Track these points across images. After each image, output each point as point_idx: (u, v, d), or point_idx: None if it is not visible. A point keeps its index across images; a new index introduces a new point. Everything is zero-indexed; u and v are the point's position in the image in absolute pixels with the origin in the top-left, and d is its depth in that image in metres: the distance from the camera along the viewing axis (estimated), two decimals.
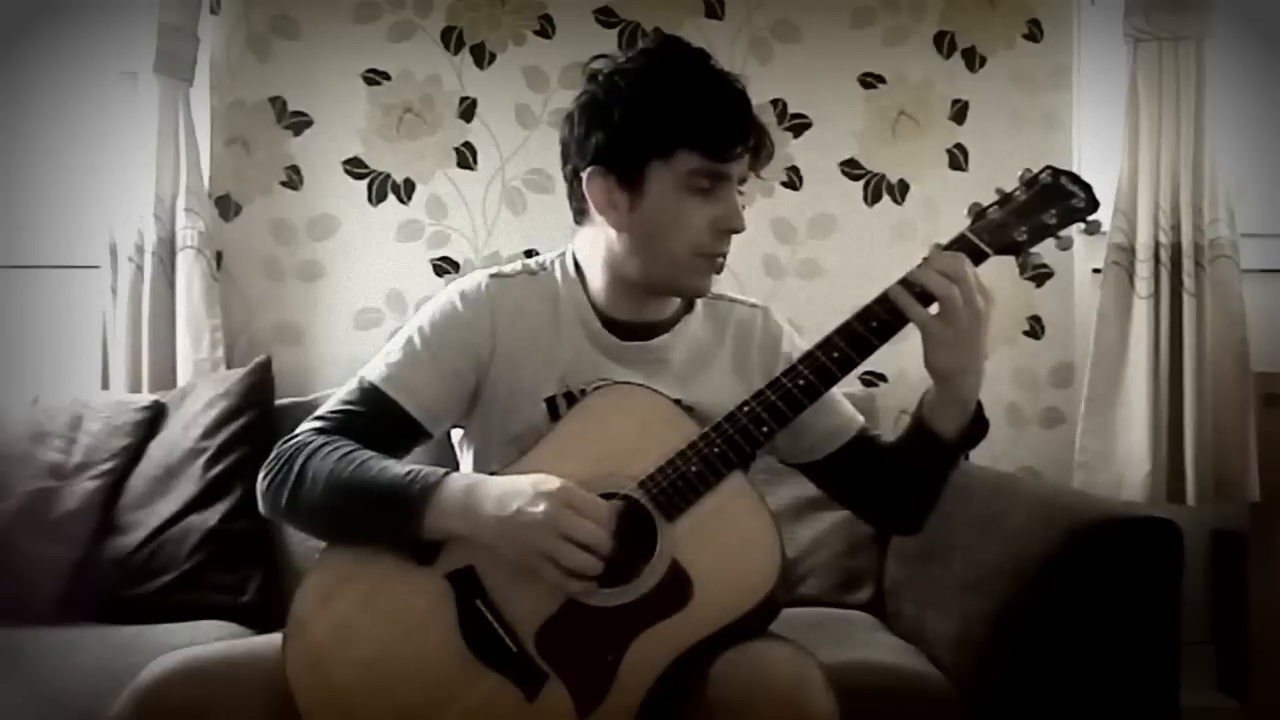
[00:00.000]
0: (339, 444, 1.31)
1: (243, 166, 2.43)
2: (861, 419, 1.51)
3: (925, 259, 1.28)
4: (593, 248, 1.42)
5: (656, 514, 1.25)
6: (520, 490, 1.23)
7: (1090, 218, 1.36)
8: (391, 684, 1.23)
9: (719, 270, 1.40)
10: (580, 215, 1.43)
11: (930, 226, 2.45)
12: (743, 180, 1.38)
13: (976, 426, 1.36)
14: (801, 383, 1.28)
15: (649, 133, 1.33)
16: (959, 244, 1.30)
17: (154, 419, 2.13)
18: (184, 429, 2.10)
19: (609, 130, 1.34)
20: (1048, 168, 1.35)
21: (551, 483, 1.23)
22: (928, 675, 1.65)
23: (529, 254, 2.35)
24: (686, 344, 1.46)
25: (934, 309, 1.26)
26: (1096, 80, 2.51)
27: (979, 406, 1.35)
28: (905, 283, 1.27)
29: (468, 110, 2.45)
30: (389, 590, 1.26)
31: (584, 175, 1.37)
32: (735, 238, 1.38)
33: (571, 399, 1.39)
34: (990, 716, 1.59)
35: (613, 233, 1.38)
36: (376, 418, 1.36)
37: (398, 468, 1.28)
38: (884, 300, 1.28)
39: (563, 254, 1.47)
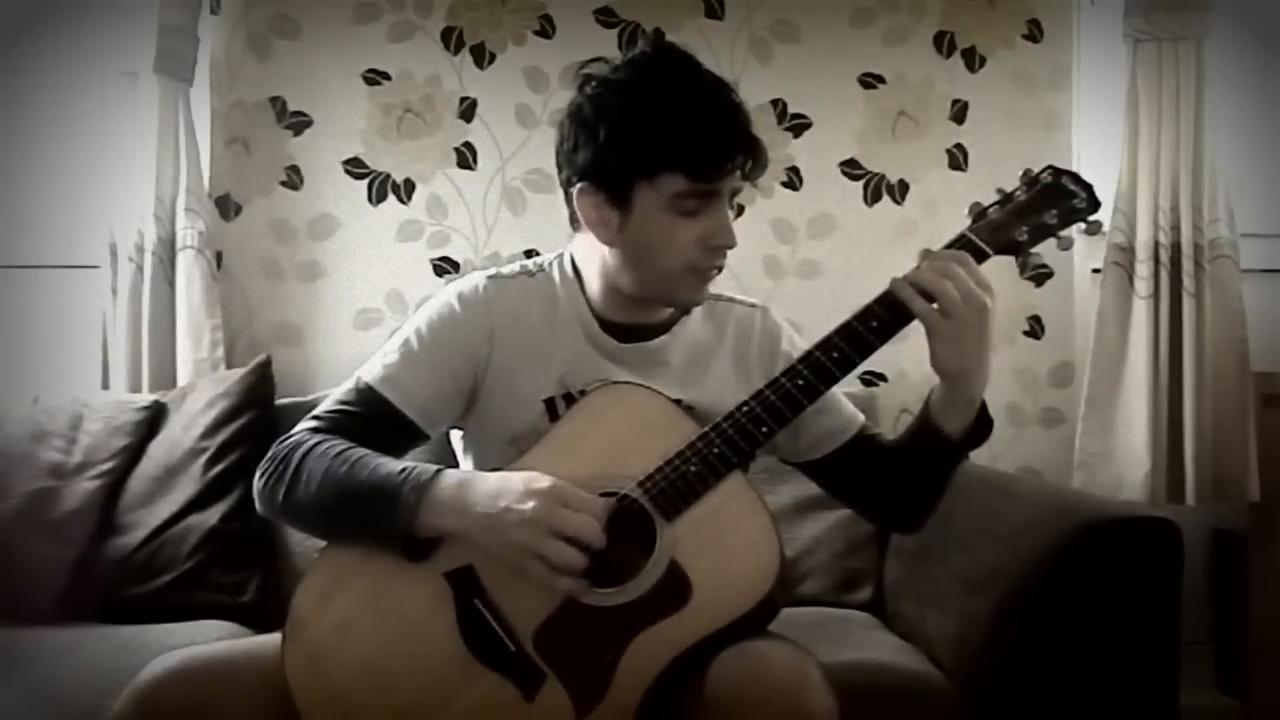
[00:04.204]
0: (334, 443, 1.31)
1: (243, 166, 2.43)
2: (862, 417, 1.51)
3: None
4: (589, 253, 1.43)
5: (655, 514, 1.25)
6: (510, 488, 1.23)
7: (1091, 218, 1.36)
8: (390, 683, 1.23)
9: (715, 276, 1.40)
10: (575, 223, 1.43)
11: (930, 226, 2.45)
12: (735, 192, 1.37)
13: (981, 426, 1.35)
14: (801, 383, 1.28)
15: (633, 155, 1.32)
16: (959, 244, 1.30)
17: (154, 419, 2.13)
18: (184, 429, 2.10)
19: (595, 149, 1.33)
20: (1049, 168, 1.35)
21: (542, 480, 1.23)
22: (928, 675, 1.65)
23: (529, 254, 2.35)
24: (685, 344, 1.46)
25: (935, 306, 1.25)
26: (1096, 80, 2.51)
27: (984, 406, 1.34)
28: (906, 279, 1.27)
29: (468, 110, 2.45)
30: (388, 589, 1.26)
31: (574, 191, 1.37)
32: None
33: (570, 400, 1.39)
34: (990, 716, 1.58)
35: (606, 247, 1.38)
36: (372, 418, 1.36)
37: (391, 465, 1.28)
38: (884, 300, 1.28)
39: (560, 256, 1.47)
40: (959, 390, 1.31)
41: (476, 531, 1.24)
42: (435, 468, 1.28)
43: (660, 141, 1.31)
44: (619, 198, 1.34)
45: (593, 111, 1.34)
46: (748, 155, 1.34)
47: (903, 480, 1.44)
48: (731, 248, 1.36)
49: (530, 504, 1.21)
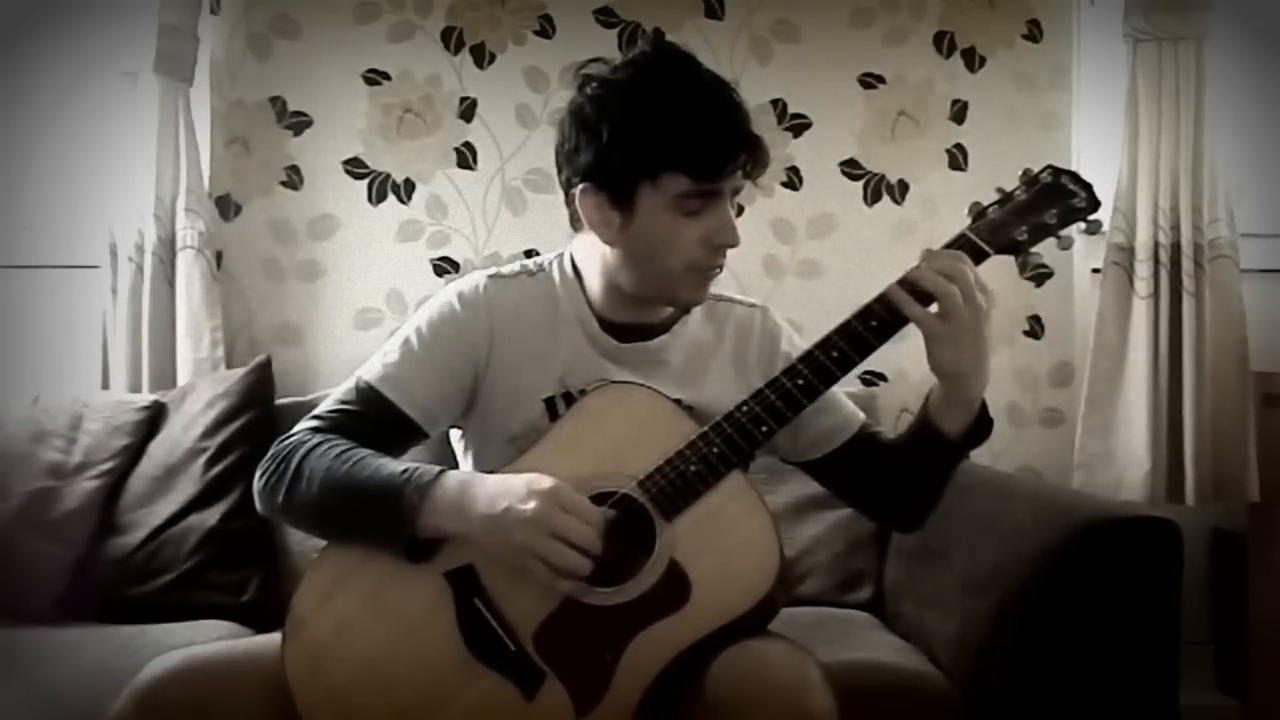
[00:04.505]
0: (335, 442, 1.31)
1: (243, 166, 2.43)
2: (863, 416, 1.50)
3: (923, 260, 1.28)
4: (590, 253, 1.42)
5: (655, 513, 1.25)
6: (512, 489, 1.23)
7: (1090, 217, 1.36)
8: (390, 683, 1.23)
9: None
10: (576, 223, 1.43)
11: (930, 226, 2.45)
12: (737, 191, 1.37)
13: (981, 426, 1.35)
14: (800, 382, 1.28)
15: (635, 155, 1.31)
16: (959, 243, 1.30)
17: (154, 419, 2.13)
18: (184, 429, 2.10)
19: (597, 150, 1.33)
20: (1048, 167, 1.35)
21: (543, 482, 1.23)
22: (928, 675, 1.65)
23: (529, 254, 2.35)
24: (685, 344, 1.46)
25: (934, 308, 1.25)
26: (1096, 80, 2.51)
27: (983, 406, 1.34)
28: (903, 282, 1.27)
29: (468, 110, 2.45)
30: (388, 589, 1.26)
31: (576, 191, 1.37)
32: None
33: (570, 399, 1.39)
34: (990, 716, 1.59)
35: (606, 246, 1.38)
36: (373, 417, 1.36)
37: (393, 465, 1.28)
38: (883, 300, 1.28)
39: (561, 255, 1.47)
40: (958, 391, 1.31)
41: (478, 533, 1.24)
42: (437, 469, 1.28)
43: (662, 142, 1.31)
44: (621, 198, 1.34)
45: (594, 112, 1.34)
46: (749, 154, 1.34)
47: (903, 479, 1.44)
48: (734, 246, 1.36)
49: (532, 505, 1.21)
